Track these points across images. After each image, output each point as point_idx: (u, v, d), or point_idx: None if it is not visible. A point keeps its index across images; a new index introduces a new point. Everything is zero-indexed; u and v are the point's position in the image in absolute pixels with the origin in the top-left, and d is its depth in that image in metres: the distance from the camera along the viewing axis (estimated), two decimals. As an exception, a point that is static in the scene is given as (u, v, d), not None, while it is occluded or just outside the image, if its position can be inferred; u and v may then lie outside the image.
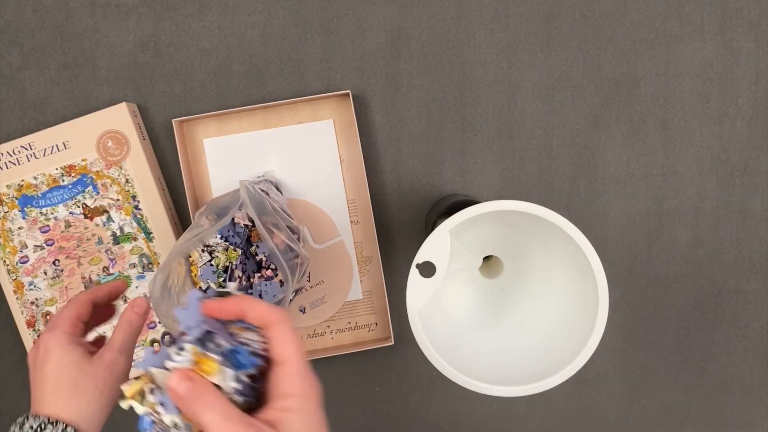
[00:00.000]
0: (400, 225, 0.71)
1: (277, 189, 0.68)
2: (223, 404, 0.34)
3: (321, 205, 0.70)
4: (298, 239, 0.61)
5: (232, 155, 0.70)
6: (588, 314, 0.51)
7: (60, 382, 0.47)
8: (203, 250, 0.58)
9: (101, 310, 0.54)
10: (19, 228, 0.69)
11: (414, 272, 0.50)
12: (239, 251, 0.58)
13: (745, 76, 0.69)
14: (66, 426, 0.44)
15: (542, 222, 0.49)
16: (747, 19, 0.68)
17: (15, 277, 0.69)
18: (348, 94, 0.68)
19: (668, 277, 0.71)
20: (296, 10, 0.69)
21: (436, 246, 0.50)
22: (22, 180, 0.68)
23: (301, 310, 0.71)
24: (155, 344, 0.70)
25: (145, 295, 0.54)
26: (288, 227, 0.60)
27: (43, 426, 0.44)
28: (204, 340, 0.37)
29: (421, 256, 0.50)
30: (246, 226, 0.58)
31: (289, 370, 0.37)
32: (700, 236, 0.71)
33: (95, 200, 0.69)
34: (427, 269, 0.50)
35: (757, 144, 0.69)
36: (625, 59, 0.69)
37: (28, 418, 0.45)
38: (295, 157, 0.70)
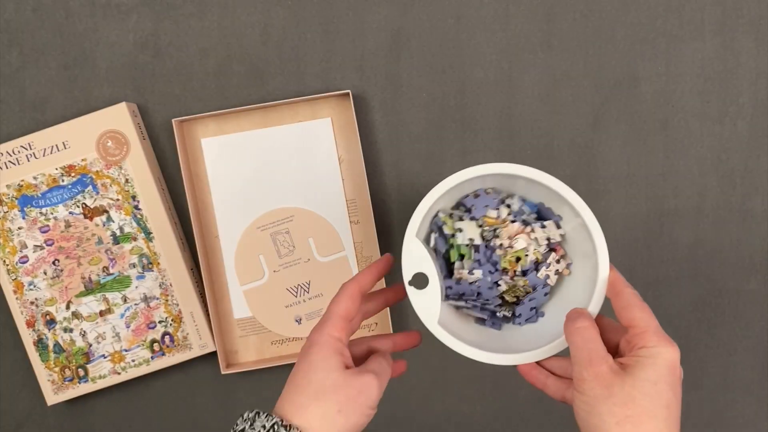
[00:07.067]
0: (400, 225, 0.71)
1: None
2: (596, 342, 0.45)
3: (322, 209, 0.70)
4: None
5: (231, 155, 0.70)
6: (588, 272, 0.51)
7: (306, 387, 0.45)
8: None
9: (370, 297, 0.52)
10: (18, 228, 0.69)
11: (411, 290, 0.49)
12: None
13: (746, 76, 0.69)
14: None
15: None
16: (747, 19, 0.68)
17: (15, 277, 0.69)
18: (348, 93, 0.68)
19: (669, 277, 0.71)
20: (296, 10, 0.69)
21: (413, 258, 0.48)
22: (22, 180, 0.68)
23: (297, 321, 0.71)
24: (155, 344, 0.70)
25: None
26: None
27: (276, 428, 0.43)
28: None
29: (407, 272, 0.48)
30: None
31: (642, 331, 0.45)
32: (701, 236, 0.70)
33: (95, 200, 0.69)
34: (421, 281, 0.49)
35: (758, 144, 0.69)
36: (626, 59, 0.69)
37: (259, 414, 0.44)
38: (294, 156, 0.70)
